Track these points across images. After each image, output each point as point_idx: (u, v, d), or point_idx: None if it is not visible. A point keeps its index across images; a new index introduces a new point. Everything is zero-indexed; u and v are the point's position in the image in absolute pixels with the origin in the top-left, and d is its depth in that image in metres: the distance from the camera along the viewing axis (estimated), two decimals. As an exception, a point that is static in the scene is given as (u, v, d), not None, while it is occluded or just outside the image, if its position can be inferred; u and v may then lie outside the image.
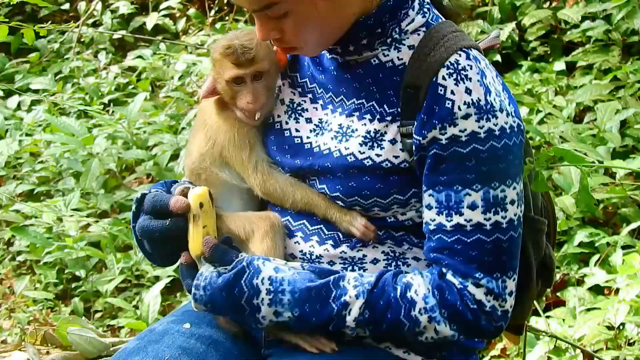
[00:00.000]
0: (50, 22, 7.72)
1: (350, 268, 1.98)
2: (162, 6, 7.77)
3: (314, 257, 2.01)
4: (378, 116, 1.94)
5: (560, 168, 2.15)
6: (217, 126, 2.14)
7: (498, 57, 5.98)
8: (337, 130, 1.99)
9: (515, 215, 1.87)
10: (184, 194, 2.00)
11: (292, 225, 2.05)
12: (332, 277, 1.89)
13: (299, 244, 2.03)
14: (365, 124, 1.95)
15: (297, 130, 2.06)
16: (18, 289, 4.90)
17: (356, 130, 1.95)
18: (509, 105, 1.87)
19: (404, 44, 1.94)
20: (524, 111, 5.09)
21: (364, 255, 1.99)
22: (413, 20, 1.95)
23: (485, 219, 1.84)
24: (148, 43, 7.52)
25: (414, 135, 1.87)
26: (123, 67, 7.34)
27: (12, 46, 7.78)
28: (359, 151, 1.93)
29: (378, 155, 1.92)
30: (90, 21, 7.83)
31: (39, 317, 4.67)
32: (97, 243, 4.89)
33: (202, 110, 2.22)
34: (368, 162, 1.92)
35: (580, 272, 3.98)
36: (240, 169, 2.13)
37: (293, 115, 2.08)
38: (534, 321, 3.53)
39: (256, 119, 2.07)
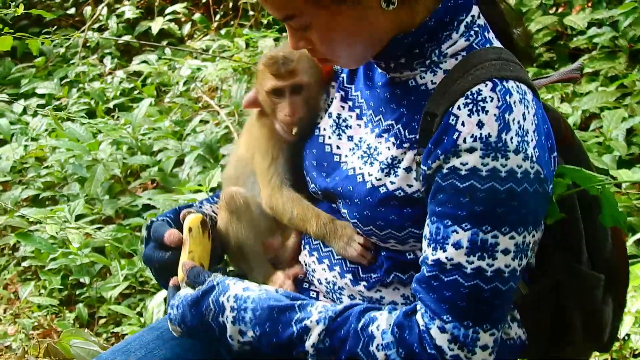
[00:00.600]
0: (56, 26, 7.82)
1: None
2: (167, 11, 7.81)
3: (336, 287, 2.00)
4: (399, 141, 1.88)
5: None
6: (253, 132, 2.20)
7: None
8: (365, 149, 1.96)
9: (507, 266, 1.74)
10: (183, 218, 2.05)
11: (322, 251, 2.05)
12: (300, 301, 1.87)
13: (325, 271, 2.03)
14: (389, 148, 1.90)
15: (337, 147, 2.05)
16: (23, 294, 4.89)
17: (380, 153, 1.91)
18: (534, 149, 1.73)
19: (440, 68, 1.86)
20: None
21: (382, 297, 1.96)
22: (455, 43, 1.85)
23: (467, 261, 1.72)
24: (153, 48, 7.55)
25: (421, 166, 1.80)
26: (128, 71, 7.35)
27: (18, 51, 7.81)
28: (376, 177, 1.89)
29: (392, 183, 1.87)
30: (95, 26, 7.87)
31: (43, 322, 4.69)
32: (102, 249, 4.88)
33: (250, 116, 2.27)
34: (382, 189, 1.88)
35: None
36: (259, 177, 2.16)
37: (337, 131, 2.06)
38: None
39: (293, 133, 2.09)
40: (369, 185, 1.90)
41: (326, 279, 2.02)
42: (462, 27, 1.86)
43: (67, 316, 4.75)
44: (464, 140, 1.70)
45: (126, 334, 4.41)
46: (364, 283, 1.95)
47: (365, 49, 1.88)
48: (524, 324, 1.97)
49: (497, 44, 1.90)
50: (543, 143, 1.78)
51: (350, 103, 2.06)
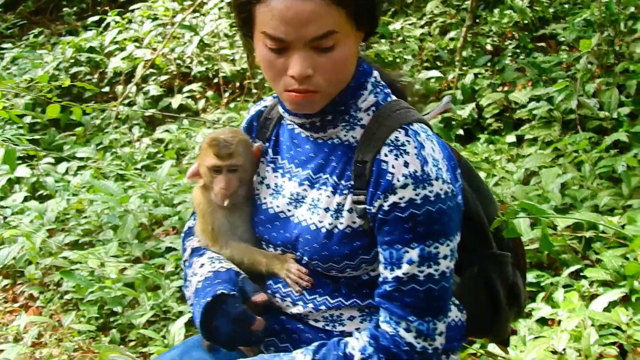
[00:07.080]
0: (93, 101, 7.85)
1: (331, 325, 1.98)
2: (185, 89, 7.90)
3: (302, 315, 2.01)
4: (337, 189, 1.90)
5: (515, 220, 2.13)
6: (196, 199, 2.19)
7: (461, 131, 6.10)
8: (310, 203, 1.95)
9: (447, 268, 1.81)
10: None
11: (282, 292, 2.06)
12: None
13: (290, 307, 2.04)
14: (328, 196, 1.91)
15: (277, 207, 2.02)
16: (65, 322, 4.91)
17: (321, 202, 1.92)
18: (446, 172, 1.80)
19: (358, 124, 1.89)
20: (482, 175, 5.13)
21: (342, 314, 1.97)
22: (366, 99, 1.89)
23: (419, 271, 1.78)
24: (173, 119, 7.59)
25: (366, 206, 1.83)
26: (153, 139, 7.39)
27: (62, 121, 7.82)
28: (328, 223, 1.90)
29: (341, 224, 1.88)
30: (126, 101, 7.92)
31: (82, 345, 4.70)
32: (132, 284, 4.91)
33: (194, 195, 2.24)
34: (336, 230, 1.89)
35: (529, 307, 4.00)
36: (203, 236, 2.17)
37: (277, 196, 2.04)
38: (492, 347, 3.56)
39: (225, 204, 2.09)
40: (323, 230, 1.90)
41: (291, 312, 2.03)
42: (369, 86, 1.90)
43: (102, 340, 4.75)
44: (397, 180, 1.75)
45: (152, 353, 4.42)
46: (324, 305, 1.98)
47: (341, 86, 1.85)
48: (465, 307, 2.04)
49: (393, 97, 1.95)
50: (449, 166, 1.84)
51: (281, 171, 2.05)
